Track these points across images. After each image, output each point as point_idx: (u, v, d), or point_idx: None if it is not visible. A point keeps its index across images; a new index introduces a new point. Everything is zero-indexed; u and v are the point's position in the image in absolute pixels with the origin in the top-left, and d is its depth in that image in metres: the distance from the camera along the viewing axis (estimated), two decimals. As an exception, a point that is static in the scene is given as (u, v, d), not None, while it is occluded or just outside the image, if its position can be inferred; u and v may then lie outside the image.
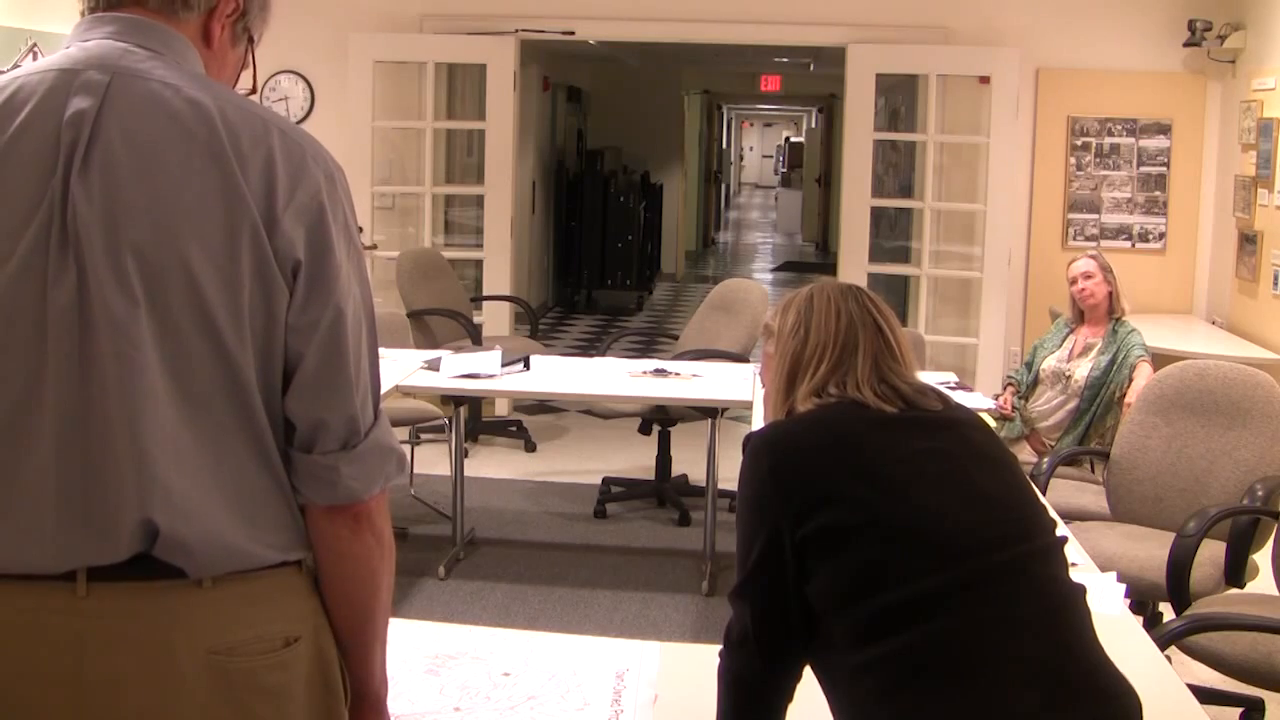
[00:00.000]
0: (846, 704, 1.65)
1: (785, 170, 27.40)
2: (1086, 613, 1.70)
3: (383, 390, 1.60)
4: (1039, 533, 1.72)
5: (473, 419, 6.74)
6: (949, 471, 1.72)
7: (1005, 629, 1.60)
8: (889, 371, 1.81)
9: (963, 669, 1.58)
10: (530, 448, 6.81)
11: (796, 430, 1.78)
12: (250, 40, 1.56)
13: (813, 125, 23.47)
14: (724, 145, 25.26)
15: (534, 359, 5.15)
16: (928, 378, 2.03)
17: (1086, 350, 4.80)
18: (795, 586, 1.67)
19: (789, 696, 1.76)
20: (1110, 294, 4.80)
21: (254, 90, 1.60)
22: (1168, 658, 2.41)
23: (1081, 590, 1.72)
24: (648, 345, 9.42)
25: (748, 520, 1.73)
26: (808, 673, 1.75)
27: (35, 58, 5.25)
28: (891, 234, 8.68)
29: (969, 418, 1.85)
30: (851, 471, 1.69)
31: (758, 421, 4.17)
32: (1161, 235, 6.88)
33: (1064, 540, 1.77)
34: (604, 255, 12.37)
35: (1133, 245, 6.86)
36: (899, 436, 1.74)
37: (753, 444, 1.76)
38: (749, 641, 1.72)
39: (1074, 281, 4.85)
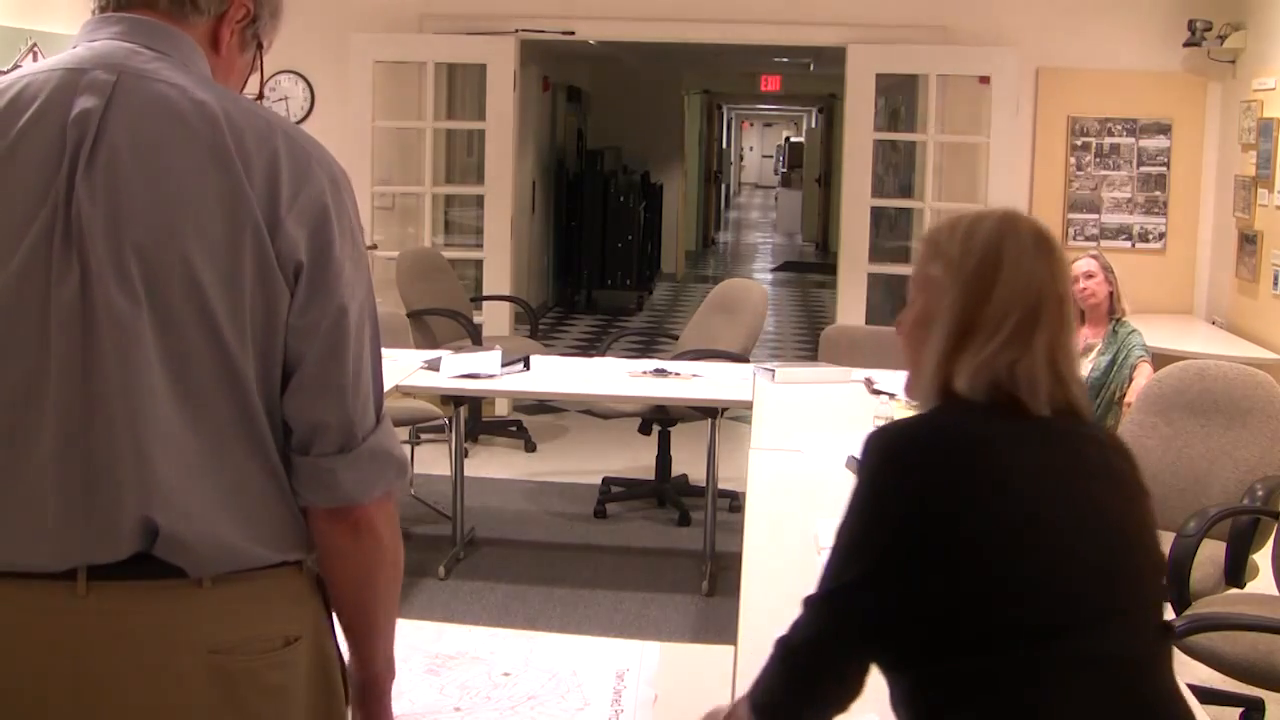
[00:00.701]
0: (913, 709, 1.59)
1: (785, 170, 27.40)
2: (1169, 656, 1.64)
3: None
4: (1148, 572, 1.63)
5: (473, 419, 6.74)
6: (1080, 494, 1.57)
7: (1088, 665, 1.54)
8: (1060, 359, 1.58)
9: (1039, 702, 1.52)
10: (530, 448, 6.80)
11: (929, 429, 1.59)
12: (259, 46, 1.56)
13: (813, 125, 23.47)
14: (724, 145, 25.26)
15: (534, 359, 5.14)
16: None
17: (1087, 351, 4.79)
18: (893, 601, 1.53)
19: (855, 693, 1.61)
20: (1111, 294, 4.80)
21: (260, 95, 1.60)
22: (1168, 657, 2.40)
23: (1170, 630, 1.66)
24: (648, 345, 9.40)
25: (857, 525, 1.56)
26: None
27: (35, 58, 5.25)
28: (891, 234, 8.67)
29: (1108, 438, 1.71)
30: (976, 486, 1.53)
31: (759, 421, 4.15)
32: (1161, 235, 6.88)
33: (1168, 590, 1.70)
34: (604, 255, 12.37)
35: (1133, 245, 6.86)
36: (1039, 448, 1.57)
37: (875, 444, 1.56)
38: (830, 643, 1.58)
39: (1075, 281, 4.83)
